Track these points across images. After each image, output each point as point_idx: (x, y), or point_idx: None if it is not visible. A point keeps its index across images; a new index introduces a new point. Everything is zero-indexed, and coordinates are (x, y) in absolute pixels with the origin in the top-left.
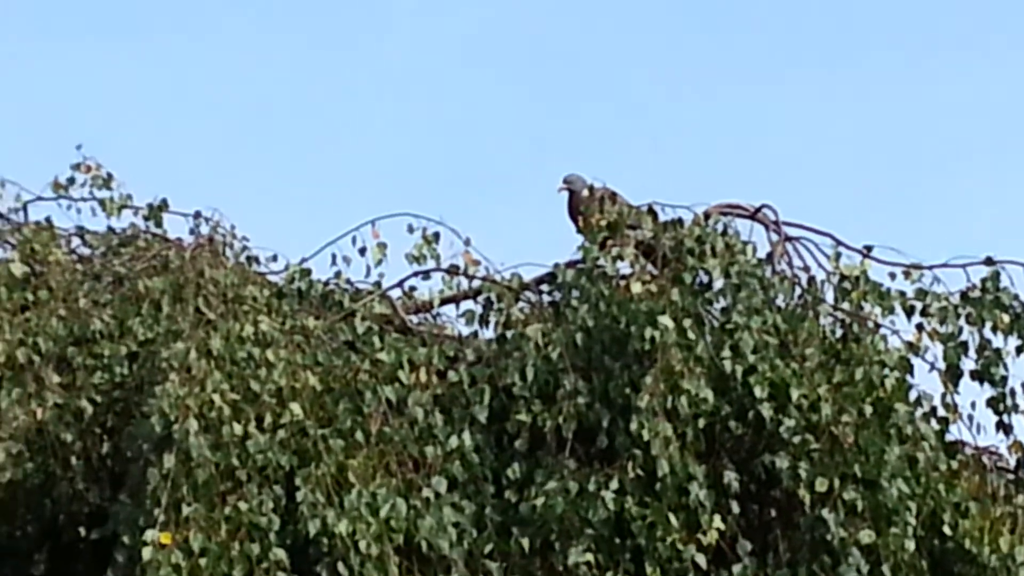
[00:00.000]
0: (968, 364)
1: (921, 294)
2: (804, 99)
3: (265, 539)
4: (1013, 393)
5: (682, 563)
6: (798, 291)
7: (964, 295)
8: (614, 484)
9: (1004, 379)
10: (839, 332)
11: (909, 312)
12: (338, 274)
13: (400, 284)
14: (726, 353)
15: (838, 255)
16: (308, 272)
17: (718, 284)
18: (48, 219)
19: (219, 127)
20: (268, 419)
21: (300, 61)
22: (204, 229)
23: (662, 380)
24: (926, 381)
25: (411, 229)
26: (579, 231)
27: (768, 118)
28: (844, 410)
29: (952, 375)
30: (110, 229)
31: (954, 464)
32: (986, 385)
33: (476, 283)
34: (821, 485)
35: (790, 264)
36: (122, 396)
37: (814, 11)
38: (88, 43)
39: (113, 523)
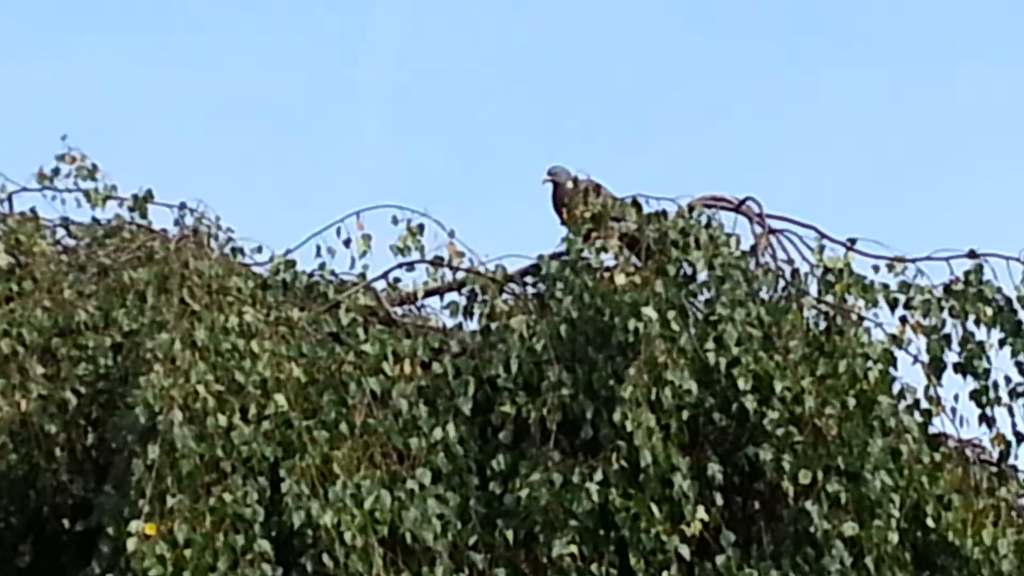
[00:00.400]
0: (951, 357)
1: (904, 287)
2: (788, 94)
3: (250, 530)
4: (996, 386)
5: (666, 554)
6: (782, 283)
7: (947, 288)
8: (598, 476)
9: (987, 372)
10: (823, 324)
11: (892, 305)
12: (322, 266)
13: (385, 276)
14: (710, 345)
15: (822, 248)
16: (293, 263)
17: (702, 276)
18: (33, 210)
19: (204, 118)
20: (252, 410)
21: (287, 53)
22: (189, 220)
23: (646, 372)
24: (909, 374)
25: (395, 221)
26: (563, 223)
27: (752, 113)
28: (827, 402)
29: (935, 368)
30: (95, 220)
31: (937, 457)
32: (969, 378)
33: (460, 275)
34: (804, 477)
35: (774, 256)
36: (106, 387)
37: (797, 9)
38: (72, 36)
39: (98, 514)
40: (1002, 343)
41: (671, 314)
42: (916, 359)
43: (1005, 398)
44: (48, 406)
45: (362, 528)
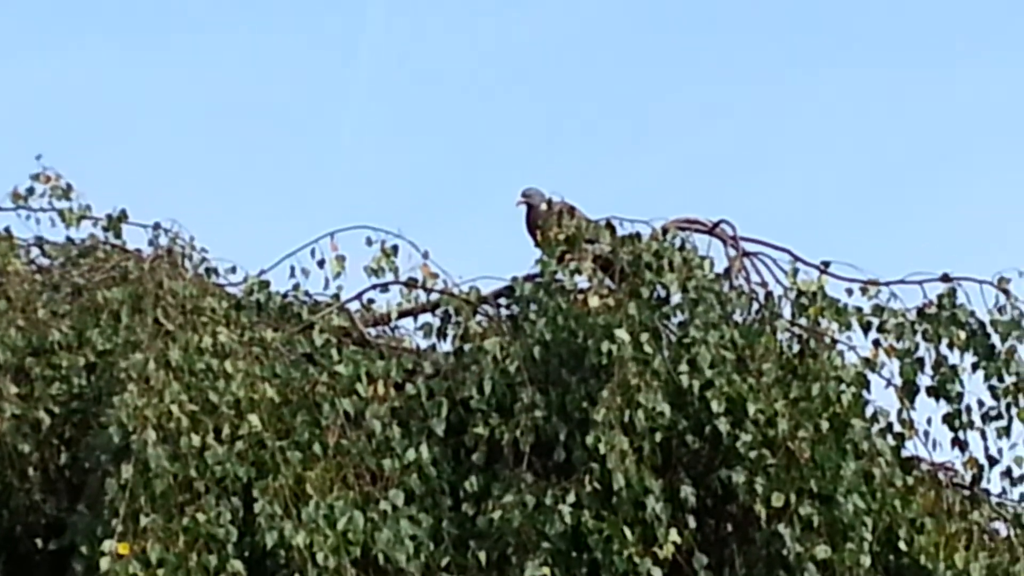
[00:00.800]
0: (924, 380)
1: (878, 310)
2: (788, 94)
3: (223, 550)
4: (969, 410)
5: None
6: (755, 306)
7: (921, 311)
8: (571, 498)
9: (960, 395)
10: (796, 347)
11: (866, 328)
12: (296, 286)
13: (358, 297)
14: (683, 367)
15: (795, 271)
16: (267, 284)
17: (675, 299)
18: (7, 229)
19: (178, 139)
20: (226, 430)
21: (285, 53)
22: (163, 240)
23: (619, 394)
24: (882, 397)
25: (369, 242)
26: (537, 245)
27: (752, 113)
28: (800, 425)
29: (908, 391)
30: (69, 240)
31: (910, 480)
32: (942, 401)
33: (434, 296)
34: (777, 500)
35: (747, 279)
36: (80, 407)
37: (797, 9)
38: (47, 51)
39: (71, 534)
40: (975, 367)
41: (644, 336)
42: (889, 382)
43: (978, 422)
44: (21, 425)
45: (335, 549)
